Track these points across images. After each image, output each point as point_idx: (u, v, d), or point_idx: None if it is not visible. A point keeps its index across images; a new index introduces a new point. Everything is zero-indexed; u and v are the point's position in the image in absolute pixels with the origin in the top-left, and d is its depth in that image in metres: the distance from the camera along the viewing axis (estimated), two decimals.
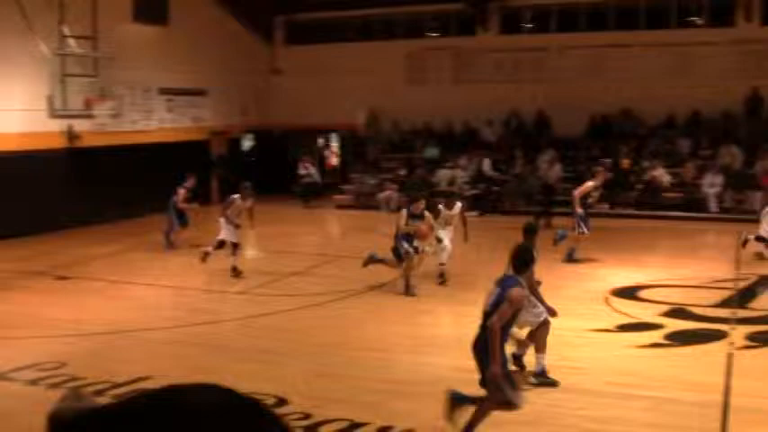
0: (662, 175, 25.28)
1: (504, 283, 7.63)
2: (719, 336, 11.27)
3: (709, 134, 26.47)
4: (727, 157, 25.42)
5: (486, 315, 7.54)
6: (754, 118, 26.36)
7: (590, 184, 17.64)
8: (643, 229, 21.68)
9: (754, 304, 13.33)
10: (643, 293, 14.03)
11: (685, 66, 26.46)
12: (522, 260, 8.01)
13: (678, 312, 12.62)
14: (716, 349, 10.66)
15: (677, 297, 13.58)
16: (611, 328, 11.86)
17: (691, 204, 24.66)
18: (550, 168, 24.71)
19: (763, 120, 26.26)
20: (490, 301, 7.59)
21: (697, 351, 10.70)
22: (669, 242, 20.82)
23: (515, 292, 7.44)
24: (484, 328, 7.53)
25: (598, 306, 13.14)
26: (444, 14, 29.92)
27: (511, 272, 7.89)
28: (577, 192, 17.30)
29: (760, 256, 17.14)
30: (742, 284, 14.82)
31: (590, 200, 17.69)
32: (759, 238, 17.21)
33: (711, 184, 24.55)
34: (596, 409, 8.46)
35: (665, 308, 12.85)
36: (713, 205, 24.43)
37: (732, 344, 10.85)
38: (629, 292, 14.05)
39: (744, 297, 13.81)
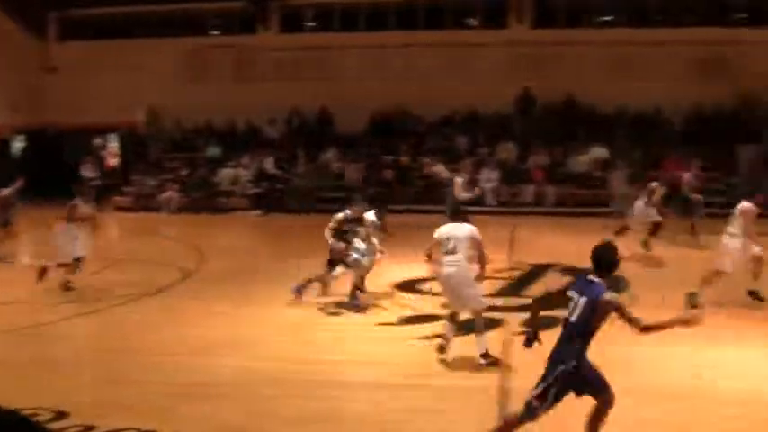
0: (441, 171, 26.07)
1: (588, 291, 6.79)
2: (496, 323, 11.72)
3: (487, 131, 27.56)
4: (504, 153, 26.59)
5: (572, 325, 6.84)
6: (526, 116, 27.69)
7: (459, 180, 18.36)
8: (424, 224, 22.23)
9: (527, 292, 13.97)
10: (425, 286, 14.36)
11: (462, 65, 27.43)
12: (606, 262, 6.99)
13: None
14: (493, 336, 11.08)
15: None
16: (395, 321, 12.12)
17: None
18: (355, 170, 25.03)
19: (534, 118, 27.61)
20: (576, 312, 6.79)
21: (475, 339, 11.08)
22: None
23: (608, 296, 6.71)
24: (566, 339, 6.87)
25: (383, 300, 13.37)
26: (225, 12, 29.68)
27: (592, 275, 6.94)
28: (457, 191, 18.29)
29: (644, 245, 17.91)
30: (516, 274, 15.52)
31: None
32: (655, 228, 18.07)
33: (488, 179, 25.59)
34: (385, 400, 8.61)
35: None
36: (490, 199, 25.45)
37: (508, 331, 11.31)
38: (411, 286, 14.37)
39: (518, 286, 14.48)
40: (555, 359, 6.81)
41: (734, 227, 13.15)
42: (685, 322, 6.91)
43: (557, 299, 13.41)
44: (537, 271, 15.81)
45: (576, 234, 20.40)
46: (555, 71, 27.41)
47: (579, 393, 6.86)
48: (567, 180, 26.11)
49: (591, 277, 6.90)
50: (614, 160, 26.08)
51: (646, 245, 17.88)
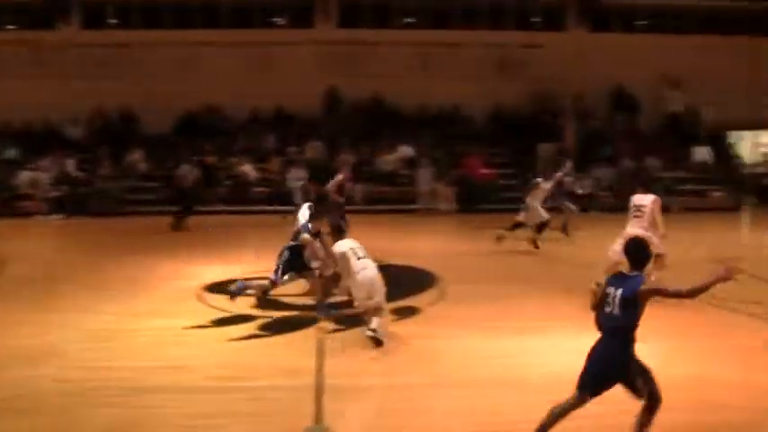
0: (249, 170, 25.97)
1: (625, 285, 6.94)
2: (309, 322, 11.79)
3: (295, 130, 27.67)
4: (312, 152, 26.75)
5: (615, 319, 6.93)
6: (333, 115, 27.97)
7: (340, 176, 18.50)
8: (233, 225, 22.09)
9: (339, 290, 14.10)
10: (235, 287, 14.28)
11: (269, 64, 27.39)
12: (642, 256, 7.24)
13: (270, 303, 13.02)
14: (307, 335, 11.15)
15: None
16: (205, 323, 11.96)
17: (277, 198, 25.59)
18: (190, 172, 24.17)
19: (341, 117, 27.94)
20: (617, 306, 6.90)
21: (289, 338, 11.12)
22: (258, 235, 21.31)
23: (645, 286, 6.91)
24: (613, 335, 6.97)
25: (192, 303, 13.17)
26: (21, 6, 28.37)
27: (631, 271, 7.13)
28: (332, 185, 18.34)
29: (532, 243, 18.33)
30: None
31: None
32: (517, 225, 18.54)
33: (297, 178, 25.63)
34: (198, 405, 8.51)
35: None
36: (299, 198, 25.49)
37: (321, 329, 11.41)
38: (221, 287, 14.22)
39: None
40: (611, 356, 6.96)
41: (646, 220, 13.25)
42: (725, 278, 6.93)
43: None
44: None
45: (386, 231, 20.84)
46: (361, 70, 27.81)
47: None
48: (375, 178, 26.53)
49: (626, 272, 7.14)
50: (420, 158, 26.73)
51: (533, 242, 18.42)
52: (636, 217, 13.40)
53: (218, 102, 27.49)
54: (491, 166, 27.26)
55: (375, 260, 11.41)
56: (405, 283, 14.71)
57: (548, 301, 13.40)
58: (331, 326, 11.53)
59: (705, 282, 6.85)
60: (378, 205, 25.36)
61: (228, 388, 9.01)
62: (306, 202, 13.62)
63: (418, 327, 11.78)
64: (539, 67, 28.42)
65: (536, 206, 18.50)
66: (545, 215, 18.58)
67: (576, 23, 30.24)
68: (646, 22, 31.50)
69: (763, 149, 31.71)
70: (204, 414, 8.25)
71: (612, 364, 6.97)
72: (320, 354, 10.14)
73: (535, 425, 7.07)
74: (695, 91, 28.43)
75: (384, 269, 14.68)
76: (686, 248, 14.91)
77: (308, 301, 13.11)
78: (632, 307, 6.86)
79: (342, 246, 11.22)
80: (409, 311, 12.39)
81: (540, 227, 18.54)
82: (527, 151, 27.98)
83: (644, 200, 13.44)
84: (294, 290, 13.84)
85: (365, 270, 10.94)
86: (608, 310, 6.97)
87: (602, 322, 7.06)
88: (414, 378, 9.45)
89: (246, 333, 11.39)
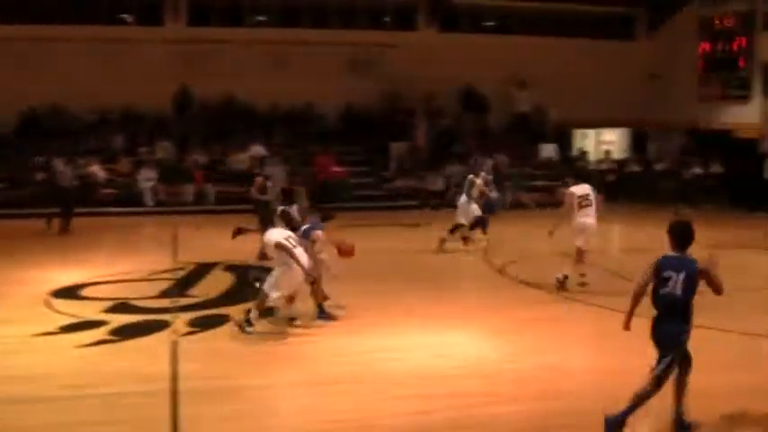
0: (97, 171, 25.29)
1: (685, 267, 7.19)
2: (162, 325, 11.58)
3: (145, 129, 27.16)
4: (162, 153, 26.28)
5: (677, 300, 7.16)
6: (184, 114, 27.57)
7: (260, 178, 19.42)
8: (82, 227, 21.43)
9: (192, 291, 13.91)
10: (85, 291, 13.90)
11: (118, 62, 26.71)
12: (689, 237, 7.36)
13: (121, 307, 12.71)
14: (160, 339, 10.94)
15: (120, 292, 13.68)
16: (54, 330, 11.56)
17: (127, 199, 25.05)
18: (68, 169, 22.97)
19: (192, 116, 27.59)
20: (679, 287, 7.15)
21: (142, 343, 10.87)
22: (108, 238, 20.79)
23: (702, 266, 7.22)
24: (673, 313, 7.22)
25: (39, 309, 12.70)
26: None
27: (677, 251, 7.35)
28: (255, 188, 19.04)
29: (465, 242, 18.36)
30: (181, 274, 15.39)
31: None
32: (460, 225, 18.22)
33: (147, 179, 25.20)
34: (54, 415, 8.20)
35: (108, 304, 12.86)
36: (149, 199, 25.09)
37: (175, 332, 11.21)
38: (70, 292, 13.81)
39: (184, 285, 14.37)
40: (673, 333, 7.25)
41: (592, 209, 13.97)
42: (715, 263, 7.40)
43: (229, 297, 13.56)
44: (202, 270, 15.79)
45: None
46: (212, 69, 27.46)
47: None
48: (227, 179, 26.26)
49: (678, 254, 7.34)
50: (272, 157, 26.61)
51: (465, 240, 18.39)
52: (586, 206, 14.07)
53: (64, 100, 26.61)
54: (343, 164, 27.39)
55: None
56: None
57: (410, 297, 13.54)
58: (185, 328, 11.35)
59: (717, 274, 7.32)
60: (230, 205, 25.05)
61: (82, 396, 8.72)
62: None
63: (278, 326, 11.71)
64: (390, 66, 28.72)
65: (462, 206, 18.31)
66: (462, 220, 18.37)
67: (427, 23, 30.71)
68: (494, 23, 32.27)
69: (605, 147, 32.96)
70: (60, 424, 7.97)
71: (672, 337, 7.25)
72: (174, 357, 9.96)
73: (391, 420, 7.11)
74: (542, 91, 29.27)
75: (245, 270, 14.62)
76: (547, 243, 15.17)
77: (162, 302, 12.92)
78: (694, 286, 7.21)
79: (275, 235, 11.14)
80: (269, 311, 12.30)
81: (454, 229, 18.35)
82: (379, 150, 28.28)
83: (587, 189, 14.19)
84: (147, 293, 13.60)
85: (302, 257, 11.06)
86: (667, 291, 7.25)
87: (661, 303, 7.33)
88: (273, 378, 9.42)
89: (97, 339, 11.06)
